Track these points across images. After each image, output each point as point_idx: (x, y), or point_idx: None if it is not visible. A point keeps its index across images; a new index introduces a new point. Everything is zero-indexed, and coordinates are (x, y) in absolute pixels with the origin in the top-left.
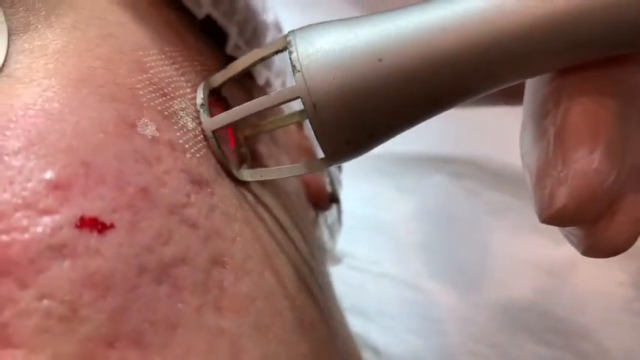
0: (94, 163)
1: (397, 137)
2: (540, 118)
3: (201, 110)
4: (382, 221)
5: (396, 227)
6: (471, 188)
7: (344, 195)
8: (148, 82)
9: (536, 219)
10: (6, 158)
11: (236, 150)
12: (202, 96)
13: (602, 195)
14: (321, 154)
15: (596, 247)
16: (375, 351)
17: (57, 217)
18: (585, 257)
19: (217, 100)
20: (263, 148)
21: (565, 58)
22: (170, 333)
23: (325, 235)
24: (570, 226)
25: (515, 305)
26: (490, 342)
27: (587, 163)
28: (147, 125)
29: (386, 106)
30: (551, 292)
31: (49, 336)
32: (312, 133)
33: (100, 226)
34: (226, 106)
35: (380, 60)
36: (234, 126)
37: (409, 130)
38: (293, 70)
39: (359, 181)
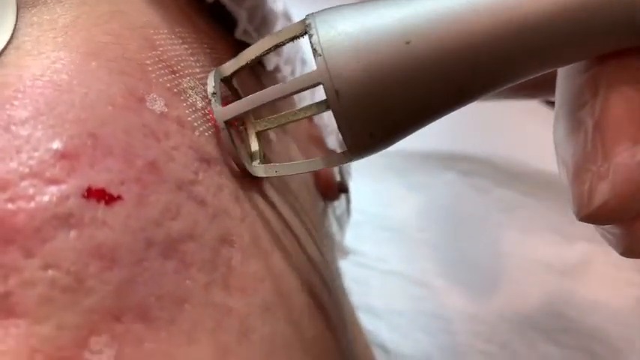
0: (102, 134)
1: None
2: (575, 110)
3: (213, 99)
4: (391, 218)
5: (405, 225)
6: (481, 186)
7: (353, 192)
8: (157, 59)
9: (548, 217)
10: (13, 127)
11: (247, 145)
12: (213, 84)
13: None
14: (331, 145)
15: (637, 247)
16: (384, 349)
17: (63, 186)
18: (598, 257)
19: (229, 89)
20: (272, 137)
21: (606, 42)
22: (177, 308)
23: (334, 226)
24: (610, 224)
25: (525, 305)
26: (500, 341)
27: (630, 156)
28: (155, 100)
29: (413, 94)
30: (562, 292)
31: (53, 306)
32: (321, 121)
33: (107, 198)
34: (238, 97)
35: (407, 43)
36: (245, 120)
37: None
38: (314, 55)
39: (368, 178)
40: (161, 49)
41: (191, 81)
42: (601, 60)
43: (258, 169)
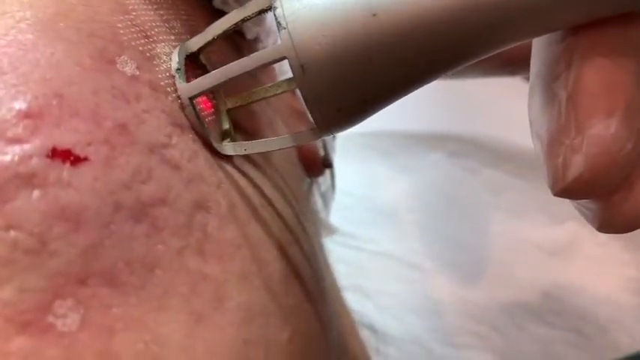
0: (69, 95)
1: (393, 115)
2: (550, 81)
3: (177, 75)
4: (380, 200)
5: (394, 206)
6: (469, 167)
7: (341, 175)
8: (129, 23)
9: (536, 197)
10: None
11: (217, 122)
12: (177, 60)
13: (621, 163)
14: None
15: (613, 222)
16: (373, 329)
17: (26, 146)
18: (586, 237)
19: (196, 66)
20: (256, 109)
21: (579, 13)
22: (148, 274)
23: (319, 203)
24: (585, 198)
25: (515, 286)
26: (490, 322)
27: (603, 128)
28: (127, 63)
29: (380, 67)
30: (551, 273)
31: (15, 268)
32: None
33: (73, 159)
34: (205, 73)
35: (374, 15)
36: (214, 96)
37: (406, 108)
38: (278, 28)
39: (355, 160)
40: (134, 13)
41: (166, 47)
42: (575, 30)
43: (227, 147)
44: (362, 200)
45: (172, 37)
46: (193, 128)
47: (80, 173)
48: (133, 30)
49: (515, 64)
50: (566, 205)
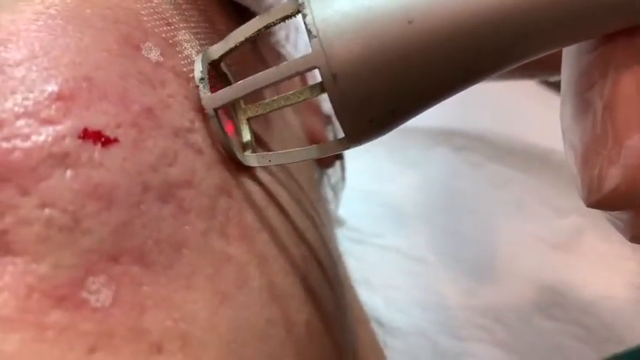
0: (98, 78)
1: None
2: (583, 91)
3: (201, 85)
4: (385, 194)
5: (399, 200)
6: (474, 161)
7: (346, 168)
8: (152, 11)
9: (540, 192)
10: (7, 69)
11: (237, 133)
12: (201, 69)
13: None
14: (326, 110)
15: None
16: (379, 322)
17: (59, 127)
18: (589, 231)
19: (216, 74)
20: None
21: (615, 20)
22: (175, 254)
23: (329, 195)
24: (620, 210)
25: (519, 279)
26: (495, 316)
27: None
28: (151, 49)
29: (415, 77)
30: (555, 266)
31: (50, 245)
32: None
33: (103, 140)
34: (227, 81)
35: (410, 22)
36: (234, 106)
37: None
38: (309, 36)
39: (361, 154)
40: (155, 1)
41: (186, 34)
42: (609, 38)
43: (250, 158)
44: (367, 194)
45: (192, 25)
46: (218, 138)
47: (110, 154)
48: (155, 17)
49: (535, 68)
50: (570, 199)
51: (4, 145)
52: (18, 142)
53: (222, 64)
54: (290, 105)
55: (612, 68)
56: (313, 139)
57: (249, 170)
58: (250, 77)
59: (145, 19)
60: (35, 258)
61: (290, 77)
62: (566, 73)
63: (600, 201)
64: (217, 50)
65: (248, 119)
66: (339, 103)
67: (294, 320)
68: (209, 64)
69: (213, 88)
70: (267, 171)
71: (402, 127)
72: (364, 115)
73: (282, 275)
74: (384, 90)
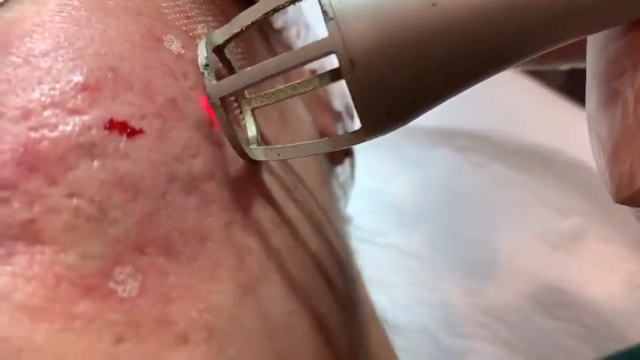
0: (122, 69)
1: None
2: (611, 79)
3: (206, 72)
4: (387, 193)
5: (400, 199)
6: (475, 161)
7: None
8: (172, 3)
9: (541, 192)
10: (33, 59)
11: (240, 122)
12: (206, 54)
13: None
14: (337, 107)
15: None
16: (383, 320)
17: (86, 117)
18: (590, 231)
19: (219, 59)
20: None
21: None
22: (200, 245)
23: (338, 193)
24: None
25: (520, 278)
26: (496, 314)
27: None
28: (173, 41)
29: (438, 63)
30: (556, 266)
31: (78, 235)
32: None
33: (129, 130)
34: (230, 69)
35: (434, 4)
36: (238, 95)
37: None
38: (325, 18)
39: (363, 153)
40: None
41: (205, 27)
42: (638, 25)
43: (257, 151)
44: (369, 193)
45: (210, 19)
46: (224, 129)
47: (136, 145)
48: (175, 10)
49: (559, 56)
50: (572, 200)
51: (32, 134)
52: (46, 132)
53: (226, 50)
54: (297, 94)
55: None
56: (324, 135)
57: (266, 165)
58: (261, 63)
59: (165, 11)
60: (63, 247)
61: (304, 63)
62: (592, 61)
63: (632, 197)
64: (222, 35)
65: (252, 110)
66: (357, 91)
67: (315, 313)
68: (212, 49)
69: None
70: (282, 166)
71: (404, 126)
72: (382, 105)
73: (301, 268)
74: (405, 78)
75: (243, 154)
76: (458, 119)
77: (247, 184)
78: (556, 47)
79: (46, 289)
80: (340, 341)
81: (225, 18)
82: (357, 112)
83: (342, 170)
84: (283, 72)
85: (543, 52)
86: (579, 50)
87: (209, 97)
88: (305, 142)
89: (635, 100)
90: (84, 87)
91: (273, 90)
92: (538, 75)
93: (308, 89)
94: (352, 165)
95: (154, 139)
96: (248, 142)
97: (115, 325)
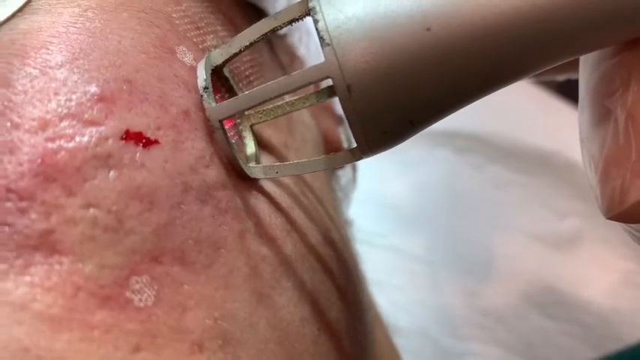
0: (137, 81)
1: None
2: (603, 98)
3: (205, 95)
4: (387, 195)
5: (400, 201)
6: (475, 163)
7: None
8: (182, 14)
9: (539, 193)
10: (50, 71)
11: (239, 141)
12: (205, 77)
13: None
14: (340, 111)
15: None
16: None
17: (102, 128)
18: (588, 232)
19: (216, 78)
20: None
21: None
22: (214, 253)
23: (339, 196)
24: None
25: (519, 279)
26: (495, 315)
27: None
28: (185, 53)
29: (433, 87)
30: (554, 266)
31: (95, 245)
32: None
33: (144, 141)
34: (228, 87)
35: (428, 29)
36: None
37: None
38: (321, 44)
39: None
40: (185, 4)
41: (214, 39)
42: (631, 45)
43: (255, 170)
44: (369, 194)
45: (219, 28)
46: (223, 151)
47: (152, 155)
48: (186, 20)
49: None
50: (570, 201)
51: (50, 145)
52: (62, 143)
53: (225, 69)
54: (295, 110)
55: (635, 75)
56: (327, 140)
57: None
58: (259, 87)
59: (177, 22)
60: (81, 258)
61: (301, 87)
62: (585, 79)
63: (622, 214)
64: (220, 55)
65: (251, 126)
66: (353, 115)
67: (325, 318)
68: (211, 70)
69: (217, 97)
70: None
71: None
72: (378, 127)
73: (311, 274)
74: (401, 100)
75: (243, 173)
76: (457, 121)
77: (257, 192)
78: (553, 66)
79: (65, 299)
80: (349, 346)
81: (233, 27)
82: (353, 133)
83: (343, 173)
84: (281, 95)
85: (538, 72)
86: (575, 63)
87: (208, 120)
88: (303, 160)
89: (625, 119)
90: (100, 98)
91: (271, 107)
92: (535, 76)
93: (305, 105)
94: (354, 168)
95: (169, 149)
96: (247, 159)
97: (132, 335)
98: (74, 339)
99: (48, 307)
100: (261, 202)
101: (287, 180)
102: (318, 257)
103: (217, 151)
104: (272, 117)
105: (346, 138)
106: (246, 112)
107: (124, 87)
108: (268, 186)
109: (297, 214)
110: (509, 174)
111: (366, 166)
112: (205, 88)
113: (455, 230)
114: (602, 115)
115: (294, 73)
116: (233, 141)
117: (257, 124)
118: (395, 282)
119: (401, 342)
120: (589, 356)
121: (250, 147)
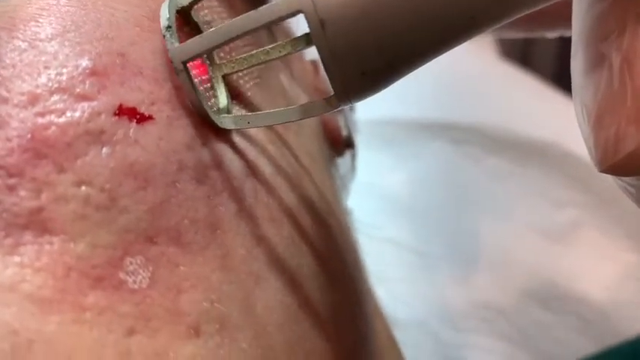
0: (131, 54)
1: (396, 103)
2: (597, 40)
3: (167, 34)
4: (383, 187)
5: (397, 193)
6: (471, 154)
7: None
8: None
9: (537, 184)
10: (39, 44)
11: (211, 91)
12: (167, 15)
13: None
14: None
15: None
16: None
17: (94, 103)
18: (586, 222)
19: (185, 23)
20: (284, 81)
21: None
22: (211, 234)
23: (339, 185)
24: (637, 175)
25: (517, 271)
26: (494, 307)
27: None
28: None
29: (413, 22)
30: (553, 258)
31: (87, 224)
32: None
33: (138, 117)
34: (198, 32)
35: None
36: (208, 61)
37: (409, 96)
38: None
39: (359, 148)
40: None
41: (208, 15)
42: None
43: (226, 120)
44: (365, 187)
45: (214, 4)
46: (187, 95)
47: (146, 132)
48: None
49: (534, 21)
50: (568, 192)
51: (40, 120)
52: (53, 118)
53: (193, 12)
54: (271, 60)
55: (631, 17)
56: (327, 129)
57: (272, 157)
58: (225, 24)
59: None
60: (72, 237)
61: (271, 24)
62: (578, 22)
63: (616, 165)
64: None
65: (224, 76)
66: (327, 53)
67: (323, 302)
68: (177, 12)
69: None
70: (287, 159)
71: (399, 119)
72: (356, 66)
73: (311, 257)
74: (378, 37)
75: (211, 122)
76: (454, 112)
77: (253, 172)
78: (539, 7)
79: (56, 280)
80: (349, 332)
81: (229, 3)
82: (329, 76)
83: (342, 162)
84: (250, 33)
85: (524, 13)
86: (568, 17)
87: (171, 61)
88: (276, 109)
89: (621, 63)
90: (92, 72)
91: (245, 55)
92: (529, 64)
93: (282, 54)
94: (353, 157)
95: (163, 126)
96: (220, 112)
97: (126, 317)
98: (66, 321)
99: (38, 288)
100: (258, 182)
101: (284, 163)
102: (316, 240)
103: (213, 129)
104: (245, 66)
105: (345, 124)
106: (218, 62)
107: (117, 61)
108: (265, 167)
109: (294, 196)
110: (507, 165)
111: (361, 158)
112: (168, 27)
113: (452, 222)
114: (597, 60)
115: (262, 7)
116: (206, 92)
117: (230, 74)
118: (393, 274)
119: (400, 334)
120: (588, 349)
121: (222, 98)
